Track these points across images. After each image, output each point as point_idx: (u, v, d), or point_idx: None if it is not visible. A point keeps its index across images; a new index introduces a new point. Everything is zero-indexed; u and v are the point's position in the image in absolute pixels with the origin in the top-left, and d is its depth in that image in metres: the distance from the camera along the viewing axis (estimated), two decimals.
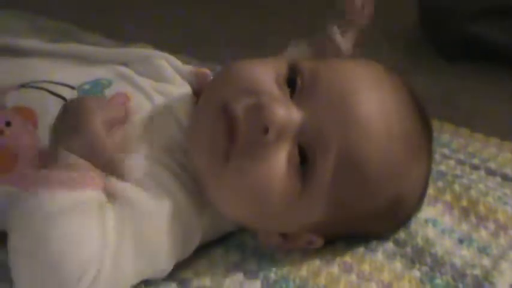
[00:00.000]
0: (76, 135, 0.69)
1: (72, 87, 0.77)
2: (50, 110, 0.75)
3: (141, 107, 0.77)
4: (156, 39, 1.00)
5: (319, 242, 0.77)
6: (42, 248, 0.64)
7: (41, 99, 0.76)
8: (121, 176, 0.71)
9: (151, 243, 0.70)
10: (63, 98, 0.76)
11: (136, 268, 0.69)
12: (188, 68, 0.84)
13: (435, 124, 1.03)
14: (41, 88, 0.77)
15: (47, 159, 0.71)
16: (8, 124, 0.75)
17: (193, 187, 0.74)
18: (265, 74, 0.73)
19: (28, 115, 0.75)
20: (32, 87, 0.77)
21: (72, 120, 0.70)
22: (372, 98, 0.72)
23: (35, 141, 0.74)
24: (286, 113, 0.70)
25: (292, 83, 0.73)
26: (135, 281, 0.71)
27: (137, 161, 0.72)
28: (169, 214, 0.71)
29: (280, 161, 0.70)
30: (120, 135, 0.73)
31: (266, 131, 0.69)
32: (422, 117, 0.77)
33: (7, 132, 0.75)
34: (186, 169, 0.74)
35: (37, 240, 0.64)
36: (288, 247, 0.77)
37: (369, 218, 0.75)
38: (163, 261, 0.72)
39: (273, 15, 1.59)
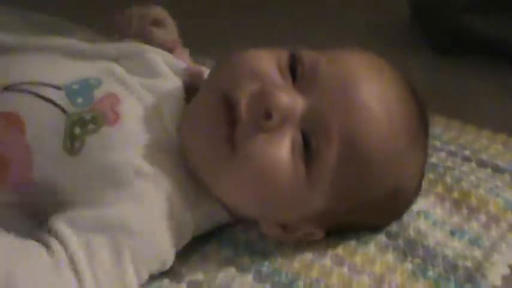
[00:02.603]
0: None
1: (58, 88, 0.76)
2: (36, 114, 0.74)
3: (132, 108, 0.76)
4: None
5: (319, 234, 0.77)
6: None
7: (26, 104, 0.74)
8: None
9: (150, 248, 0.71)
10: (50, 101, 0.75)
11: (140, 273, 0.71)
12: (181, 65, 0.83)
13: None
14: (26, 91, 0.75)
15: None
16: None
17: (188, 184, 0.74)
18: (267, 62, 0.75)
19: (14, 121, 0.73)
20: (17, 90, 0.75)
21: None
22: (373, 85, 0.73)
23: (24, 148, 0.73)
24: (290, 99, 0.72)
25: (293, 71, 0.74)
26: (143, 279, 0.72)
27: (133, 164, 0.72)
28: (164, 214, 0.72)
29: (284, 146, 0.71)
30: None
31: (269, 116, 0.70)
32: (420, 107, 0.78)
33: None
34: (181, 167, 0.75)
35: None
36: (288, 239, 0.78)
37: (370, 207, 0.75)
38: (165, 259, 0.73)
39: (268, 11, 1.59)
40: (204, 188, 0.75)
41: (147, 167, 0.72)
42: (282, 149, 0.71)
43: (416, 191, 0.82)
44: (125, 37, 0.87)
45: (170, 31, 0.91)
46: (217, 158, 0.72)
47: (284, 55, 0.75)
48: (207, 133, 0.73)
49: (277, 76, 0.74)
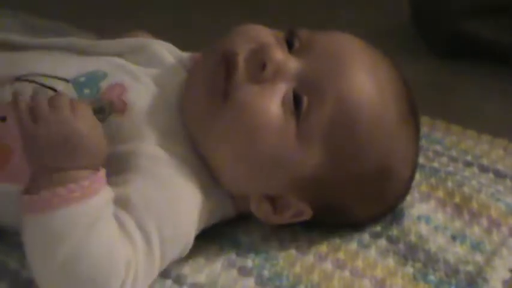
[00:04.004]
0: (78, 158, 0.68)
1: (67, 80, 0.77)
2: None
3: (139, 96, 0.77)
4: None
5: (307, 212, 0.77)
6: (74, 269, 0.65)
7: (35, 94, 0.75)
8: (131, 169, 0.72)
9: (175, 229, 0.71)
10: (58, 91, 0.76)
11: (165, 254, 0.71)
12: (186, 54, 0.85)
13: (427, 121, 1.04)
14: (36, 82, 0.77)
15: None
16: (2, 119, 0.74)
17: (201, 170, 0.75)
18: (266, 32, 0.78)
19: None
20: (27, 80, 0.77)
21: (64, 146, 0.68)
22: (366, 60, 0.77)
23: None
24: (284, 56, 0.75)
25: (289, 43, 0.77)
26: (165, 264, 0.72)
27: (146, 150, 0.73)
28: (185, 195, 0.73)
29: (274, 97, 0.73)
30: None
31: (264, 67, 0.73)
32: (410, 99, 0.79)
33: (1, 128, 0.74)
34: (193, 154, 0.76)
35: (70, 263, 0.65)
36: (278, 220, 0.78)
37: (359, 183, 0.76)
38: (186, 242, 0.74)
39: (268, 12, 1.59)
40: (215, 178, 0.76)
41: (160, 153, 0.73)
42: (272, 100, 0.73)
43: (408, 184, 0.82)
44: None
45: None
46: (209, 109, 0.74)
47: (280, 32, 0.79)
48: (203, 88, 0.75)
49: (274, 41, 0.77)
